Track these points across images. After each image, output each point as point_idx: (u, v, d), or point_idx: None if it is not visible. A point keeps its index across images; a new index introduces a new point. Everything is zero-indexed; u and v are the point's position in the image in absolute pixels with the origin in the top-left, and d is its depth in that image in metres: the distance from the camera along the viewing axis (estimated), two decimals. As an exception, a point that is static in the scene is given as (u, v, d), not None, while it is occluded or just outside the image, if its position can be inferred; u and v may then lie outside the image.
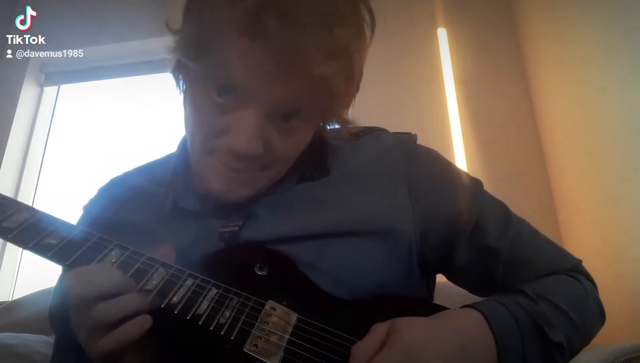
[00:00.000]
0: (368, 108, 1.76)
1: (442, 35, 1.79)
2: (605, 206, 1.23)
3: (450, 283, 0.66)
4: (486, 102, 1.70)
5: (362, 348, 0.43)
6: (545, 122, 1.61)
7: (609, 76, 1.17)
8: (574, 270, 0.59)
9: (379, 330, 0.44)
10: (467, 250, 0.57)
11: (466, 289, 0.64)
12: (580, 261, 0.61)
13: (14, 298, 1.41)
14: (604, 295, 0.59)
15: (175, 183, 0.60)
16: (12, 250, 1.87)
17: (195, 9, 0.50)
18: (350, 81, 0.52)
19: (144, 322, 0.44)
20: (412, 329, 0.43)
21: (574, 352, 0.52)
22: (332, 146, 0.63)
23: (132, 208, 0.60)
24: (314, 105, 0.51)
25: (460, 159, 1.61)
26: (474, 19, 1.81)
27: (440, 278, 0.65)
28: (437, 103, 1.70)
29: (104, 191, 0.66)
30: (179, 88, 0.57)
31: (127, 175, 0.67)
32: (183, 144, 0.65)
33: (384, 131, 0.66)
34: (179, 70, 0.55)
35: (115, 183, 0.66)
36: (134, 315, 0.44)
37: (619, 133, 1.14)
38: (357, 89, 0.55)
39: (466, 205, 0.59)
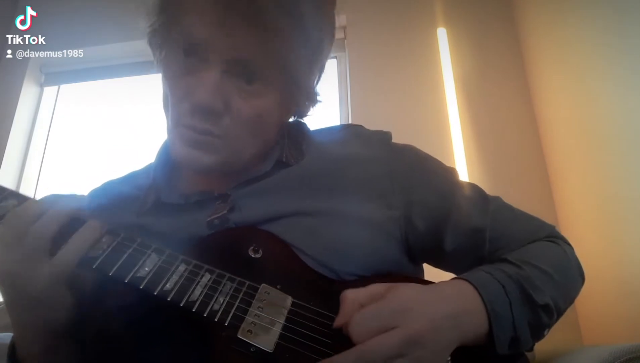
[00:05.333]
0: (367, 108, 1.76)
1: (442, 35, 1.79)
2: (605, 206, 1.23)
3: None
4: (486, 102, 1.69)
5: (353, 296, 0.46)
6: (545, 122, 1.61)
7: (609, 75, 1.17)
8: (552, 236, 0.62)
9: (376, 287, 0.47)
10: (454, 234, 0.59)
11: (456, 273, 0.65)
12: (554, 226, 0.64)
13: (13, 298, 1.41)
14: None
15: (156, 183, 0.61)
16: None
17: None
18: (305, 44, 0.53)
19: (95, 227, 0.46)
20: (408, 291, 0.46)
21: (560, 313, 0.55)
22: (311, 136, 0.65)
23: (114, 212, 0.61)
24: (270, 63, 0.52)
25: (460, 159, 1.61)
26: (474, 19, 1.81)
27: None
28: (437, 103, 1.70)
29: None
30: (155, 60, 0.60)
31: (107, 184, 0.68)
32: (162, 151, 0.66)
33: (361, 126, 0.68)
34: (153, 40, 0.59)
35: (98, 192, 0.67)
36: (79, 221, 0.46)
37: (619, 132, 1.14)
38: (315, 58, 0.57)
39: (446, 189, 0.61)
